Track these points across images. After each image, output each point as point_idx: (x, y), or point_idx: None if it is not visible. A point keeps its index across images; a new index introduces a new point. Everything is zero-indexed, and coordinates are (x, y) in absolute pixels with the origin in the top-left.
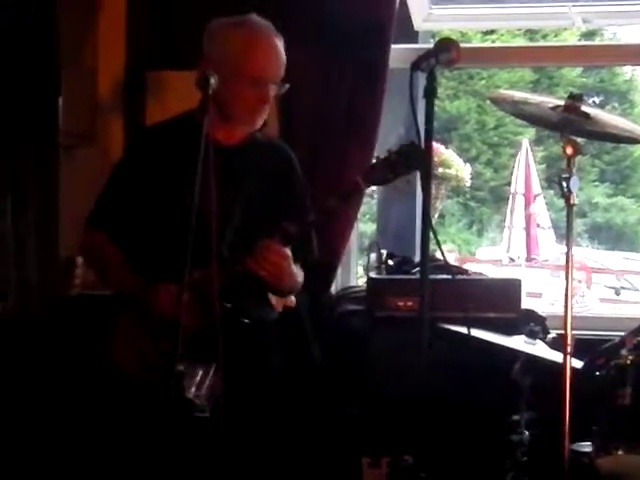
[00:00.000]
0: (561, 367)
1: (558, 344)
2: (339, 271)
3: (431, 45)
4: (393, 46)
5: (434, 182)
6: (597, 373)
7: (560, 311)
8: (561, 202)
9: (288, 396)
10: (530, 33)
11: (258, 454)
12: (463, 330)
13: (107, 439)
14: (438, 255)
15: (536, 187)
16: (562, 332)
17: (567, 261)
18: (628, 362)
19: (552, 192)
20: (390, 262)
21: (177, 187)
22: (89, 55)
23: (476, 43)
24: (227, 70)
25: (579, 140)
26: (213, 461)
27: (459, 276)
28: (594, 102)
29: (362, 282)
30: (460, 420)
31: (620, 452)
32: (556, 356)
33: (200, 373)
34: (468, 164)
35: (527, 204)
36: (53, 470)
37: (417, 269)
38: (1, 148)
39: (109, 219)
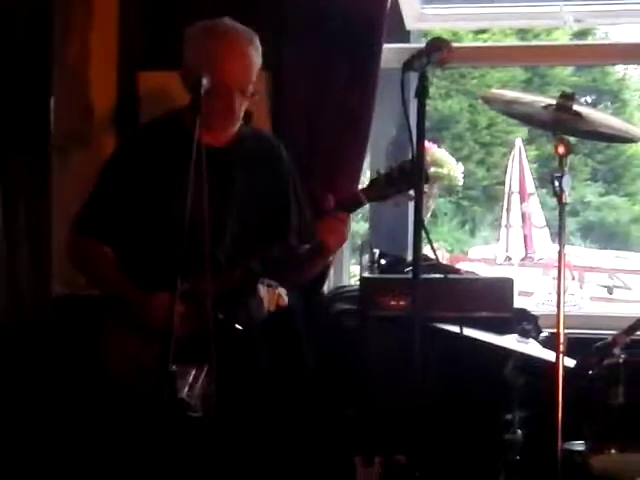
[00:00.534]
0: (554, 366)
1: (550, 343)
2: (331, 271)
3: (423, 45)
4: (385, 45)
5: None
6: (590, 372)
7: (552, 310)
8: (553, 201)
9: (280, 396)
10: (522, 33)
11: (251, 454)
12: (455, 329)
13: (100, 440)
14: (430, 254)
15: (530, 186)
16: (554, 331)
17: (559, 260)
18: (620, 361)
19: (545, 191)
20: (382, 261)
21: (167, 191)
22: (81, 56)
23: (468, 43)
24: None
25: (571, 139)
26: (207, 461)
27: (451, 275)
28: (586, 101)
29: (355, 282)
30: (453, 419)
31: (613, 451)
32: (549, 355)
33: (192, 373)
34: (460, 163)
35: (522, 203)
36: (46, 472)
37: (409, 268)
38: None
39: (98, 225)
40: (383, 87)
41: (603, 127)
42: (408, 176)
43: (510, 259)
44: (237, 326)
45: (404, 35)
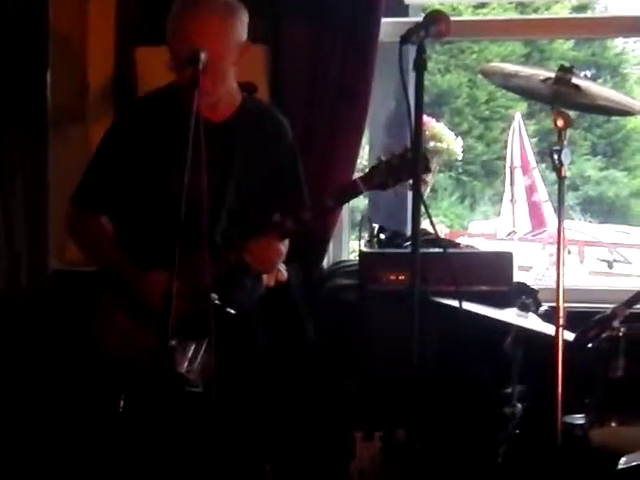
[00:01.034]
0: (553, 339)
1: (550, 317)
2: (331, 245)
3: (421, 19)
4: (383, 20)
5: None
6: (589, 345)
7: (551, 284)
8: (553, 176)
9: (279, 372)
10: (521, 7)
11: (251, 429)
12: (455, 303)
13: (97, 415)
14: (430, 229)
15: (532, 160)
16: (554, 305)
17: (558, 233)
18: (620, 334)
19: (544, 166)
20: (382, 236)
21: (163, 166)
22: (78, 31)
23: (467, 17)
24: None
25: (570, 113)
26: (206, 436)
27: (451, 250)
28: (585, 76)
29: (354, 256)
30: (452, 393)
31: (613, 424)
32: (548, 329)
33: (192, 349)
34: (460, 138)
35: (526, 177)
36: (42, 447)
37: (409, 243)
38: None
39: (94, 198)
40: (382, 61)
41: (602, 100)
42: (409, 164)
43: (515, 233)
44: (230, 310)
45: (402, 9)
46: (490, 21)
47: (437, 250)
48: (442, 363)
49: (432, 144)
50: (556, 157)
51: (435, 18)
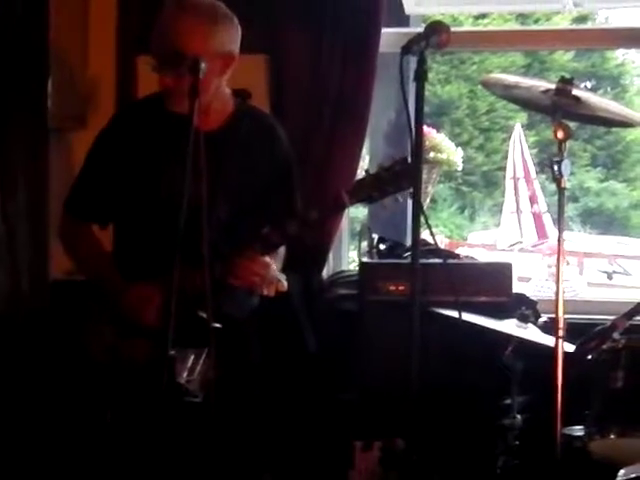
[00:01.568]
0: (553, 351)
1: (550, 328)
2: (330, 256)
3: (422, 29)
4: (384, 30)
5: (426, 167)
6: (589, 357)
7: (551, 295)
8: (553, 187)
9: (278, 381)
10: (522, 18)
11: (250, 439)
12: (454, 314)
13: (97, 424)
14: (429, 240)
15: (532, 171)
16: (553, 316)
17: (558, 244)
18: (620, 345)
19: (544, 177)
20: (382, 246)
21: (152, 174)
22: (80, 38)
23: (468, 27)
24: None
25: (570, 124)
26: (205, 446)
27: (450, 260)
28: (586, 87)
29: (354, 266)
30: (452, 404)
31: (613, 436)
32: (548, 340)
33: (192, 358)
34: (460, 148)
35: (528, 188)
36: (41, 455)
37: (408, 253)
38: None
39: (83, 206)
40: (382, 72)
41: (602, 111)
42: (397, 178)
43: (521, 243)
44: (215, 325)
45: (403, 20)
46: (491, 32)
47: (437, 261)
48: (441, 374)
49: (432, 155)
50: (556, 168)
51: (436, 29)
